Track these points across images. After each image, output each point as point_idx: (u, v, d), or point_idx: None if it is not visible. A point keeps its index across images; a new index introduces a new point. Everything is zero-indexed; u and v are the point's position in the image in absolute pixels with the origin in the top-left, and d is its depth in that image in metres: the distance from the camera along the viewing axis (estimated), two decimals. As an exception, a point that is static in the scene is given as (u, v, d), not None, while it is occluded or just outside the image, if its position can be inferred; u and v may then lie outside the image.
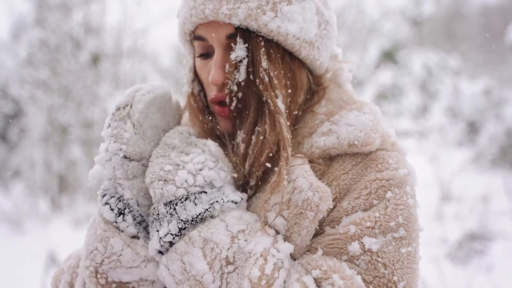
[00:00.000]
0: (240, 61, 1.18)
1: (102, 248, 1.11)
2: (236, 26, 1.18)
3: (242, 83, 1.19)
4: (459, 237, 6.02)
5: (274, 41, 1.18)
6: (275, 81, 1.18)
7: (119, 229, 1.13)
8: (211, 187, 1.11)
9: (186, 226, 1.06)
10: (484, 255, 5.59)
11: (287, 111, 1.21)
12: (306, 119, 1.26)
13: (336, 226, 1.11)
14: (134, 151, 1.14)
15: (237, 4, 1.15)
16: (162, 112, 1.22)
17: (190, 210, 1.07)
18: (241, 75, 1.18)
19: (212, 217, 1.09)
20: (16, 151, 8.79)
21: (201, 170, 1.11)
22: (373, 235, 1.07)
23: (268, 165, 1.17)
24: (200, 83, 1.35)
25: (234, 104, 1.21)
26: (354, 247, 1.06)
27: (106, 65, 8.43)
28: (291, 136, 1.19)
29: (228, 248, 1.03)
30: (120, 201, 1.15)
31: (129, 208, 1.14)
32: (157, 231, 1.08)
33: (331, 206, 1.11)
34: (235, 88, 1.19)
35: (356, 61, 10.65)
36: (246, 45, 1.18)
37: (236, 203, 1.12)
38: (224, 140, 1.29)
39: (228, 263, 1.02)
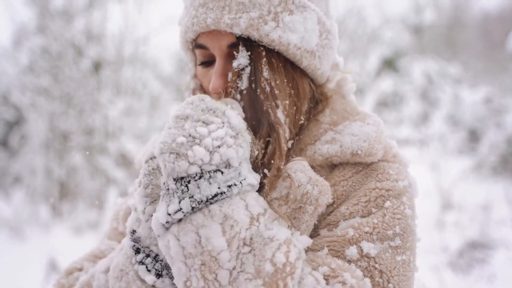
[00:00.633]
0: (243, 69, 1.19)
1: None
2: (237, 35, 1.18)
3: (244, 92, 1.19)
4: (460, 245, 6.01)
5: (276, 50, 1.19)
6: (276, 91, 1.18)
7: (155, 287, 1.08)
8: (228, 166, 1.03)
9: (200, 206, 1.00)
10: (485, 264, 5.58)
11: (291, 120, 1.21)
12: (310, 127, 1.27)
13: (334, 229, 1.11)
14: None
15: (238, 14, 1.16)
16: None
17: (204, 190, 1.00)
18: (243, 83, 1.19)
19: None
20: (17, 157, 8.79)
21: (219, 147, 1.02)
22: (371, 241, 1.08)
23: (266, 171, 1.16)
24: (203, 90, 1.35)
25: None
26: (352, 252, 1.06)
27: (107, 72, 8.43)
28: (288, 147, 1.20)
29: (247, 229, 0.99)
30: (157, 261, 1.09)
31: (167, 270, 1.08)
32: (167, 205, 1.01)
33: (330, 201, 1.12)
34: (238, 96, 1.19)
35: (357, 69, 10.66)
36: (249, 53, 1.19)
37: (252, 186, 1.08)
38: None
39: (245, 244, 0.98)
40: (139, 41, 8.62)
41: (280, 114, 1.17)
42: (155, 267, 1.08)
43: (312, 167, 1.17)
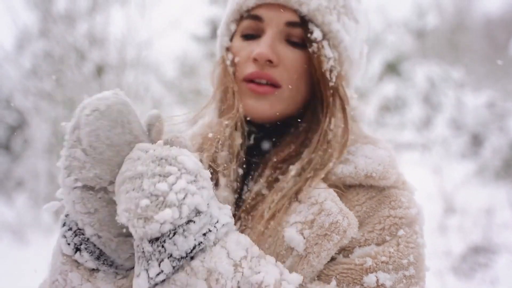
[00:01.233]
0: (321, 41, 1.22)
1: (62, 281, 1.06)
2: (302, 15, 1.21)
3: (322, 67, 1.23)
4: (463, 249, 6.00)
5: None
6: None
7: (77, 262, 1.06)
8: (198, 213, 0.97)
9: (180, 263, 0.94)
10: (488, 268, 5.56)
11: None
12: None
13: (350, 255, 1.10)
14: (91, 178, 1.00)
15: None
16: (121, 125, 1.02)
17: (182, 245, 0.94)
18: (328, 54, 1.22)
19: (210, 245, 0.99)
20: (20, 162, 8.81)
21: (184, 199, 0.95)
22: (387, 271, 1.06)
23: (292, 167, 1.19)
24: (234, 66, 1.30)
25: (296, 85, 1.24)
26: (371, 279, 1.05)
27: (110, 76, 8.44)
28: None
29: (232, 278, 0.94)
30: (76, 235, 1.05)
31: (85, 244, 1.04)
32: (146, 269, 0.95)
33: (355, 236, 1.10)
34: (328, 66, 1.23)
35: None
36: (319, 29, 1.22)
37: (227, 224, 1.02)
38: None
39: None
40: (141, 45, 8.63)
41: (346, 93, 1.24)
42: (74, 240, 1.05)
43: (336, 192, 1.15)
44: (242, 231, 1.13)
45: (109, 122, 1.01)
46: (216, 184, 1.21)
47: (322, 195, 1.12)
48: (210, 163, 1.19)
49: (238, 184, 1.24)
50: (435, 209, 7.30)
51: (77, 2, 8.27)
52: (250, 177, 1.26)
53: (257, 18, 1.25)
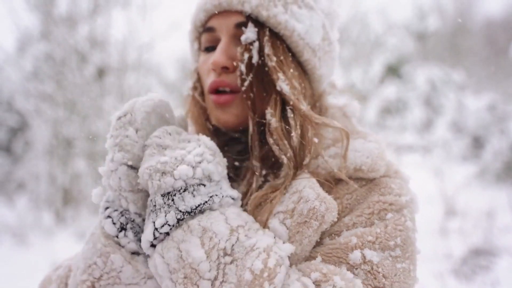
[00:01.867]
0: (251, 44, 1.22)
1: (101, 263, 1.09)
2: (247, 14, 1.22)
3: (255, 65, 1.21)
4: (464, 252, 5.98)
5: (280, 34, 1.23)
6: (284, 67, 1.22)
7: (119, 245, 1.11)
8: (209, 180, 1.09)
9: (185, 217, 1.03)
10: (489, 271, 5.55)
11: (302, 95, 1.25)
12: (314, 142, 1.27)
13: (337, 237, 1.12)
14: (138, 157, 1.12)
15: None
16: (164, 120, 1.20)
17: (188, 201, 1.04)
18: (254, 57, 1.21)
19: (211, 209, 1.07)
20: (21, 163, 8.82)
21: (200, 162, 1.08)
22: (373, 249, 1.08)
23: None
24: (200, 86, 1.38)
25: (245, 87, 1.22)
26: (356, 255, 1.07)
27: (111, 79, 8.46)
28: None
29: (227, 240, 1.01)
30: (123, 215, 1.12)
31: (131, 223, 1.12)
32: (153, 222, 1.05)
33: (335, 219, 1.12)
34: (244, 70, 1.21)
35: (360, 76, 10.67)
36: (256, 29, 1.22)
37: (233, 199, 1.11)
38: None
39: (226, 254, 1.00)
40: (143, 47, 8.64)
41: (287, 87, 1.20)
42: (120, 220, 1.11)
43: (319, 182, 1.17)
44: None
45: (158, 114, 1.18)
46: None
47: (302, 183, 1.14)
48: None
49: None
50: (436, 212, 7.29)
51: (79, 4, 8.29)
52: (241, 179, 1.29)
53: (211, 29, 1.29)
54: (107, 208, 1.14)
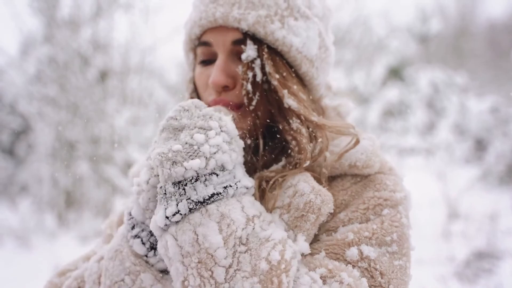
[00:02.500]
0: (253, 62, 1.22)
1: (129, 281, 1.09)
2: (244, 31, 1.22)
3: (259, 82, 1.22)
4: (467, 255, 5.97)
5: (278, 50, 1.23)
6: (287, 82, 1.23)
7: (148, 263, 1.12)
8: (222, 169, 1.07)
9: (197, 207, 1.03)
10: (492, 274, 5.54)
11: (308, 108, 1.25)
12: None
13: (333, 233, 1.13)
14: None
15: (247, 10, 1.20)
16: None
17: (201, 192, 1.03)
18: (258, 75, 1.21)
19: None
20: (24, 166, 8.82)
21: (215, 153, 1.06)
22: (370, 245, 1.09)
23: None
24: (197, 94, 1.39)
25: (252, 105, 1.23)
26: (353, 252, 1.08)
27: (113, 82, 8.46)
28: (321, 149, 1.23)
29: (243, 229, 1.01)
30: (152, 235, 1.13)
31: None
32: (164, 208, 1.04)
33: (332, 210, 1.14)
34: (250, 88, 1.22)
35: (363, 78, 10.67)
36: (256, 46, 1.22)
37: (247, 188, 1.11)
38: None
39: (241, 243, 1.00)
40: (145, 50, 8.65)
41: (294, 102, 1.21)
42: (150, 240, 1.12)
43: (314, 177, 1.19)
44: None
45: None
46: None
47: (296, 177, 1.16)
48: None
49: None
50: (439, 215, 7.28)
51: (81, 8, 8.30)
52: None
53: (207, 44, 1.29)
54: (133, 226, 1.15)
